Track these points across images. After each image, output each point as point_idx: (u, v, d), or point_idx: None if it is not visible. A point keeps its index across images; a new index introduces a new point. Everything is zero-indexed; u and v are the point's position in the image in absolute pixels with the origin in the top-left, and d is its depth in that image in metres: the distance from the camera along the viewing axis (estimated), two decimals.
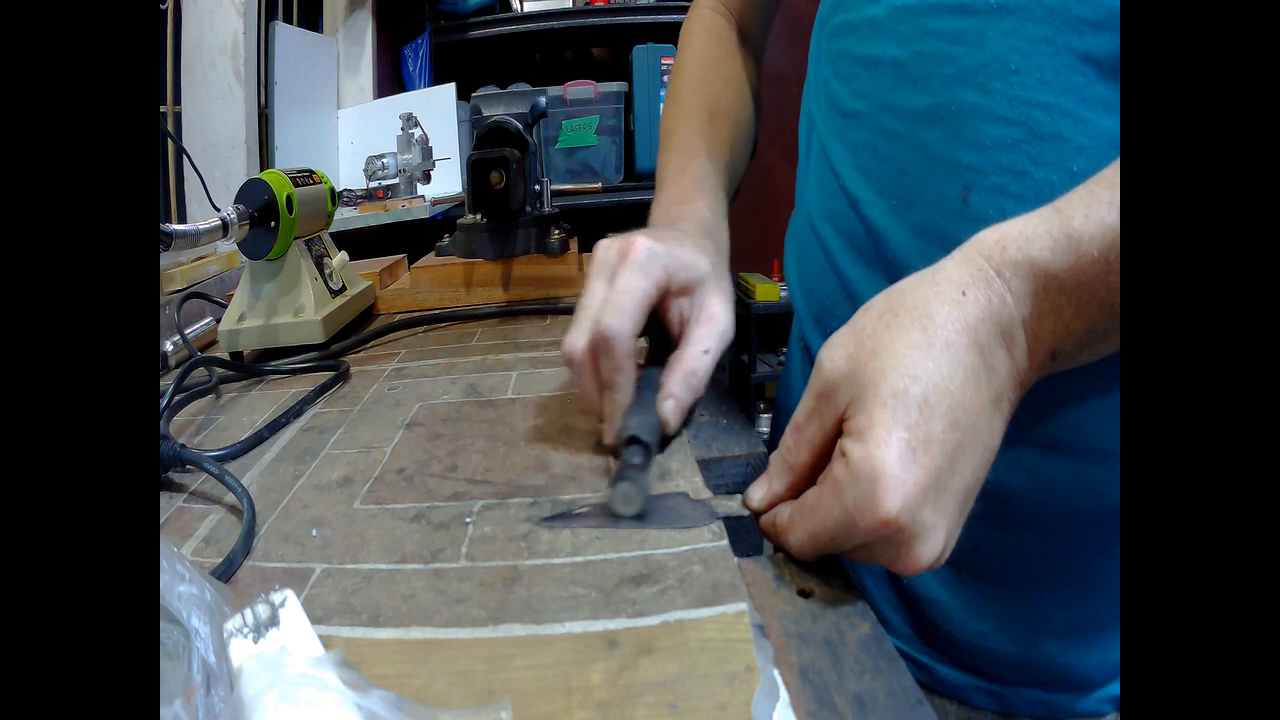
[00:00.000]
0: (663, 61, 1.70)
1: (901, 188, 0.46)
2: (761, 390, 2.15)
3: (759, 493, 0.35)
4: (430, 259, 0.86)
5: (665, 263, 0.42)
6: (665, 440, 0.43)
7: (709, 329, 0.44)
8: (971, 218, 0.42)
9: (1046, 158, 0.40)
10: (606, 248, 0.44)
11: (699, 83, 0.63)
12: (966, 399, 0.30)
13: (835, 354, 0.33)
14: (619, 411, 0.41)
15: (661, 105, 1.69)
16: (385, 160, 1.54)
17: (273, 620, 0.24)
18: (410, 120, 1.56)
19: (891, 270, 0.47)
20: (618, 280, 0.41)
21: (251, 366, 0.63)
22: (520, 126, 0.81)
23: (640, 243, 0.42)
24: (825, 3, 0.53)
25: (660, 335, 0.47)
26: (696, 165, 0.57)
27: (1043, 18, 0.39)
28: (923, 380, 0.30)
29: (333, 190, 0.76)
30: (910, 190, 0.45)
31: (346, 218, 1.35)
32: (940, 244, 0.44)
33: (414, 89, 1.78)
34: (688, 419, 0.45)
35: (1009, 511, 0.44)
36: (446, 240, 0.85)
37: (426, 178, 1.58)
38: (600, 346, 0.40)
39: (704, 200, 0.54)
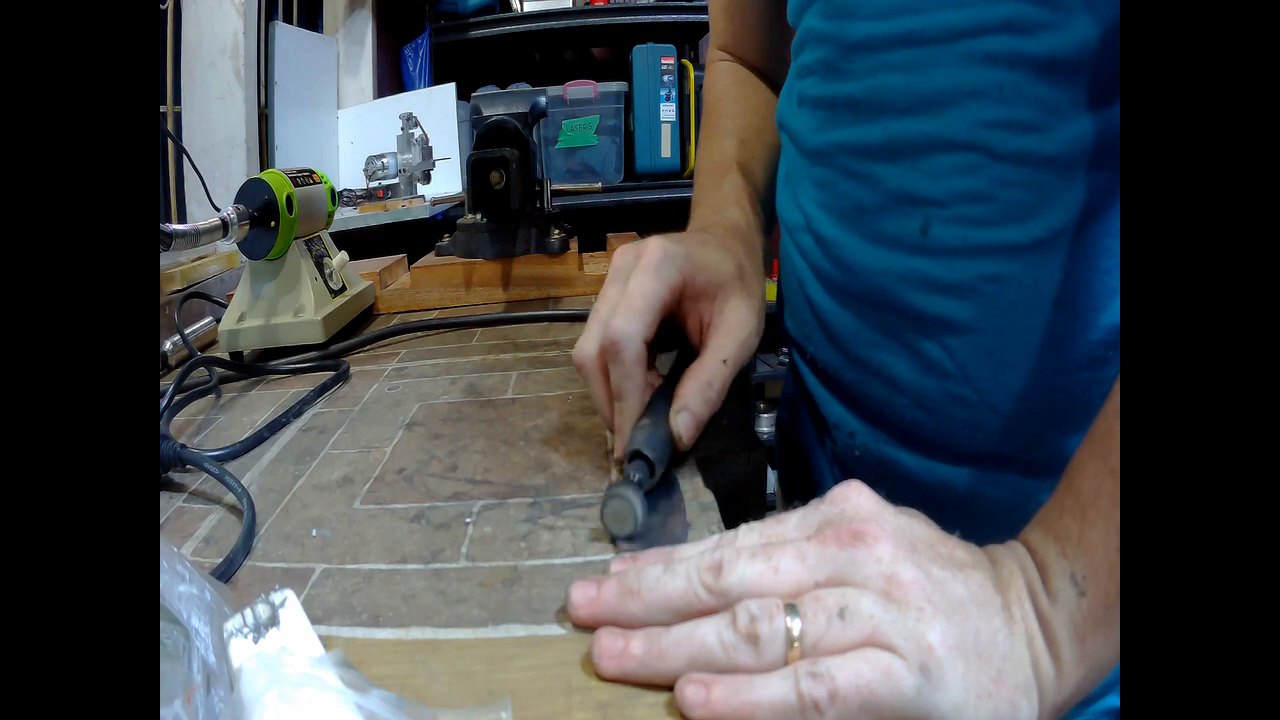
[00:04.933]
0: (663, 61, 1.70)
1: (862, 225, 0.45)
2: (761, 390, 2.15)
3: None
4: (430, 259, 0.86)
5: (681, 265, 0.41)
6: (680, 457, 0.40)
7: (729, 336, 0.41)
8: (933, 251, 0.41)
9: (1011, 178, 0.38)
10: (624, 253, 0.42)
11: (727, 117, 0.63)
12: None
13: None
14: (629, 423, 0.39)
15: (662, 106, 1.68)
16: (385, 160, 1.54)
17: (273, 620, 0.24)
18: (410, 120, 1.56)
19: (860, 304, 0.47)
20: (629, 283, 0.40)
21: (251, 366, 0.63)
22: (520, 126, 0.81)
23: (654, 244, 0.41)
24: (794, 44, 0.53)
25: (684, 346, 0.44)
26: (730, 179, 0.57)
27: (999, 28, 0.37)
28: None
29: (333, 190, 0.76)
30: (872, 227, 0.44)
31: (346, 218, 1.35)
32: (904, 278, 0.43)
33: (414, 89, 1.78)
34: (705, 433, 0.41)
35: (991, 523, 0.45)
36: (446, 240, 0.85)
37: (426, 178, 1.58)
38: (609, 351, 0.38)
39: (739, 207, 0.53)
